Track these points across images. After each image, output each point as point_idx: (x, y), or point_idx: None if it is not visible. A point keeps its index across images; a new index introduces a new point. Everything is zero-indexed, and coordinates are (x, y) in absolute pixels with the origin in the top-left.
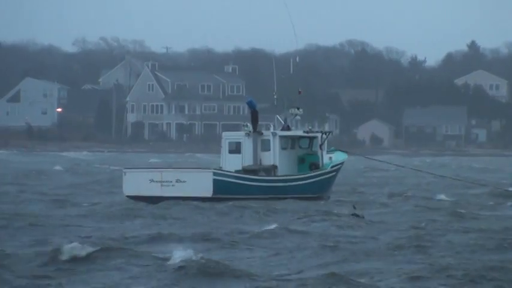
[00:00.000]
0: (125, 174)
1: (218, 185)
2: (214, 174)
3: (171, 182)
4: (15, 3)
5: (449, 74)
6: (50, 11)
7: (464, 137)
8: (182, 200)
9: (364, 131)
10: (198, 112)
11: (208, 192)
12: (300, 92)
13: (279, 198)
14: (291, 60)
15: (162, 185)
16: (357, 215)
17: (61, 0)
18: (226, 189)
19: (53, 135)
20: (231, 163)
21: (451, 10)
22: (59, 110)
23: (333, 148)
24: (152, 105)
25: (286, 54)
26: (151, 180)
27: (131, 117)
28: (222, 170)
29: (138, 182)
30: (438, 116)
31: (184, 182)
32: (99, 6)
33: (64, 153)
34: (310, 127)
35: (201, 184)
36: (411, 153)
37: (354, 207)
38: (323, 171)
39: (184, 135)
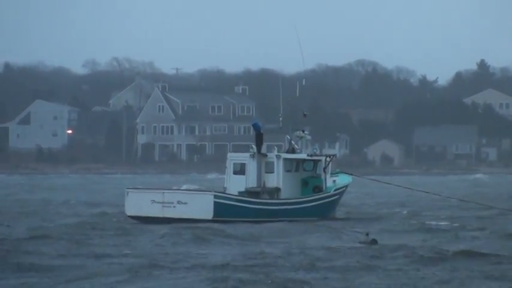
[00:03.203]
0: (127, 194)
1: (219, 208)
2: (215, 196)
3: (172, 203)
4: (25, 25)
5: (459, 93)
6: (60, 33)
7: (474, 155)
8: (183, 221)
9: (374, 151)
10: (208, 133)
11: (208, 214)
12: (305, 115)
13: (281, 221)
14: (297, 82)
15: (163, 206)
16: (375, 241)
17: (71, 22)
18: (227, 212)
19: (64, 157)
20: (235, 184)
21: (461, 29)
22: (69, 132)
23: (338, 170)
24: (162, 126)
25: (296, 74)
26: (153, 201)
27: (141, 139)
28: (223, 193)
29: (140, 202)
30: (448, 135)
31: (185, 203)
32: (109, 27)
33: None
34: (315, 150)
35: (201, 206)
36: (422, 172)
37: (367, 235)
38: (325, 195)
39: (195, 156)
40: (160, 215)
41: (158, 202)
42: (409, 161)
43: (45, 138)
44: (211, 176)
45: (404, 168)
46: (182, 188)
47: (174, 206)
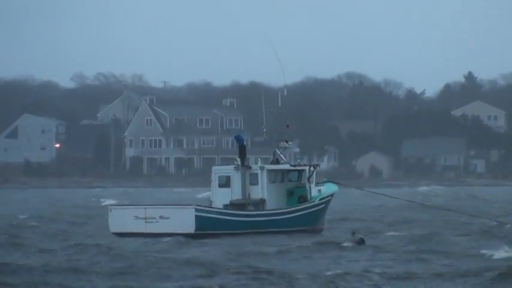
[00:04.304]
0: (110, 211)
1: (200, 221)
2: (197, 210)
3: (154, 218)
4: (13, 39)
5: (447, 105)
6: (47, 47)
7: (463, 167)
8: (166, 236)
9: (363, 163)
10: (196, 146)
11: (190, 228)
12: (288, 126)
13: (264, 233)
14: (279, 94)
15: (146, 222)
16: (362, 240)
17: (59, 35)
18: (208, 225)
19: (52, 171)
20: (221, 197)
21: (448, 41)
22: (58, 145)
23: (325, 179)
24: (151, 140)
25: (284, 87)
26: (136, 217)
27: (130, 152)
28: (204, 206)
29: (124, 219)
30: (437, 147)
31: (167, 218)
32: (96, 41)
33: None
34: (298, 160)
35: (183, 220)
36: (410, 184)
37: (354, 234)
38: (309, 204)
39: (184, 169)
40: (144, 231)
41: (141, 218)
42: (398, 173)
43: (33, 151)
44: (178, 189)
45: (393, 180)
46: (104, 204)
47: (156, 221)
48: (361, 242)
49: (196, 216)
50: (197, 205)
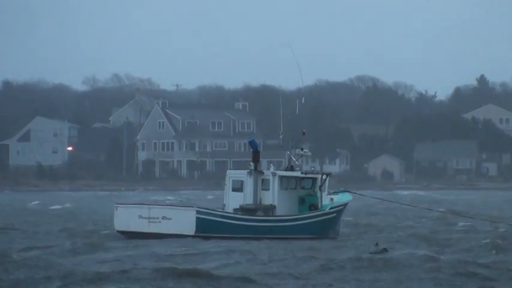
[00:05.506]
0: (116, 209)
1: (201, 224)
2: (198, 212)
3: (157, 218)
4: (25, 42)
5: (458, 108)
6: (59, 50)
7: (475, 171)
8: (167, 237)
9: (375, 166)
10: (208, 149)
11: (191, 230)
12: (304, 134)
13: (266, 239)
14: (297, 101)
15: (149, 221)
16: (385, 250)
17: (70, 39)
18: (209, 228)
19: (64, 174)
20: (234, 201)
21: (460, 44)
22: (70, 148)
23: (342, 189)
24: (163, 143)
25: (296, 90)
26: (140, 216)
27: (142, 155)
28: (205, 208)
29: (128, 218)
30: (449, 150)
31: (169, 219)
32: (108, 44)
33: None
34: (313, 168)
35: (184, 222)
36: (422, 187)
37: (377, 244)
38: (316, 213)
39: (196, 172)
40: (147, 230)
41: (145, 217)
42: (410, 176)
43: (45, 155)
44: (188, 191)
45: (405, 184)
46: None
47: (159, 222)
48: (384, 251)
49: (197, 218)
50: (198, 207)
